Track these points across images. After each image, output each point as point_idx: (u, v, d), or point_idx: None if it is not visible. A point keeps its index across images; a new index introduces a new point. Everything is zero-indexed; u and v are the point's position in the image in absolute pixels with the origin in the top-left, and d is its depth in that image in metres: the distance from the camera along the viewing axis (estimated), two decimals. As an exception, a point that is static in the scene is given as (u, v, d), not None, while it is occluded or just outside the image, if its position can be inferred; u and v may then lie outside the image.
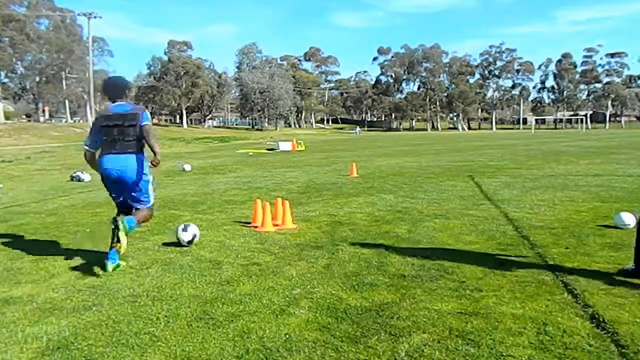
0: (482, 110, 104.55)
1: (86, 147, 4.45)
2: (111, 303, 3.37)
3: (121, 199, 4.43)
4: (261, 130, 77.50)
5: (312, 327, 2.88)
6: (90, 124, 5.05)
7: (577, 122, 79.43)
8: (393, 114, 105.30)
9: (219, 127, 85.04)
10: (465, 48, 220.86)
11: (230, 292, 3.52)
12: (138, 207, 4.41)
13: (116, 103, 4.40)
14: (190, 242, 4.89)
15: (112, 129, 4.25)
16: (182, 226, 5.02)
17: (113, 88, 4.51)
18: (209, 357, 2.55)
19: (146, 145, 4.35)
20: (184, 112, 76.93)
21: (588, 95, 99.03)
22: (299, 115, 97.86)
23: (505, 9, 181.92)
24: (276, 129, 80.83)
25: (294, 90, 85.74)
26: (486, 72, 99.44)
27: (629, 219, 5.03)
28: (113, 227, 4.04)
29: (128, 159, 4.25)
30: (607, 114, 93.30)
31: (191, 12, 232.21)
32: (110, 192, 4.45)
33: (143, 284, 3.78)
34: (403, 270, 3.94)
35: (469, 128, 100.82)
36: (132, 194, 4.36)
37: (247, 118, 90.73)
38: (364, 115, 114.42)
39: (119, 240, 3.98)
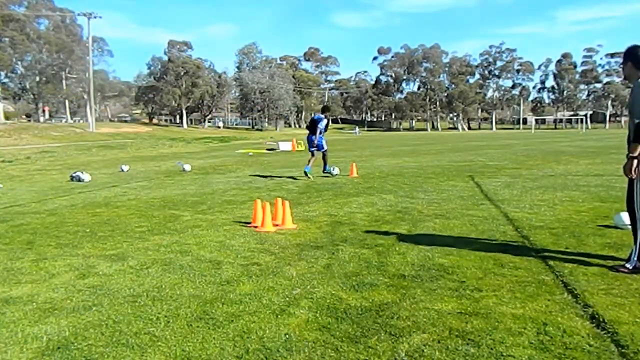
0: (482, 110, 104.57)
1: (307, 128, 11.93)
2: (111, 303, 3.37)
3: (315, 150, 11.58)
4: (261, 130, 77.50)
5: (312, 327, 2.88)
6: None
7: (577, 122, 79.45)
8: (393, 114, 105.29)
9: (218, 127, 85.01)
10: (465, 48, 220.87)
11: (230, 292, 3.52)
12: (324, 151, 11.75)
13: (317, 115, 11.74)
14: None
15: (312, 125, 11.67)
16: (334, 170, 11.64)
17: (323, 109, 11.93)
18: (209, 357, 2.55)
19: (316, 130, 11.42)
20: (184, 112, 76.94)
21: (588, 95, 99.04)
22: (299, 115, 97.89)
23: (505, 9, 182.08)
24: (276, 129, 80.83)
25: (294, 90, 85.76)
26: (486, 72, 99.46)
27: (628, 219, 5.02)
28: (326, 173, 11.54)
29: (317, 135, 11.40)
30: (607, 114, 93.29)
31: (191, 12, 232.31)
32: (310, 147, 11.71)
33: (143, 284, 3.78)
34: (403, 270, 3.93)
35: (469, 128, 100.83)
36: (320, 146, 11.54)
37: (247, 118, 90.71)
38: (364, 115, 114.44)
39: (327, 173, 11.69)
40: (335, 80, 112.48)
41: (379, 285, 3.58)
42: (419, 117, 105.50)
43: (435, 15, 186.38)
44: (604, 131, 63.56)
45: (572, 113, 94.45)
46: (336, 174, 11.62)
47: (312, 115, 12.67)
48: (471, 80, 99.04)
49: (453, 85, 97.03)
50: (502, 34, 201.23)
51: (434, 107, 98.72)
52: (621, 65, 4.03)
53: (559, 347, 2.53)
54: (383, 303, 3.23)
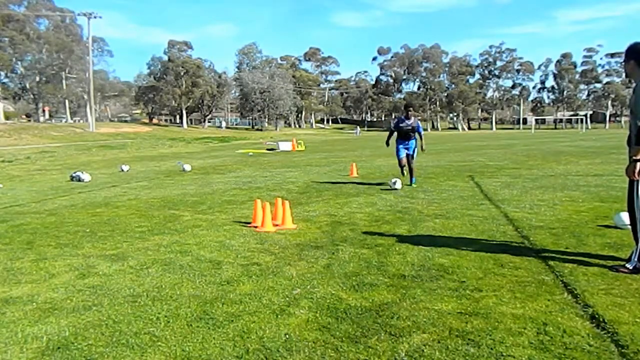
0: (482, 110, 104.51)
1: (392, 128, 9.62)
2: (111, 303, 3.37)
3: (404, 156, 9.43)
4: (261, 130, 77.48)
5: (312, 327, 2.88)
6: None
7: (577, 122, 79.40)
8: (393, 114, 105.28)
9: (218, 127, 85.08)
10: (465, 48, 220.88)
11: (230, 292, 3.52)
12: (413, 155, 9.49)
13: (410, 118, 9.37)
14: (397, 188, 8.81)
15: (406, 130, 9.35)
16: (393, 180, 9.00)
17: (408, 106, 9.56)
18: (209, 357, 2.55)
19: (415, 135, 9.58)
20: (184, 112, 76.92)
21: (588, 95, 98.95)
22: (299, 115, 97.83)
23: (505, 9, 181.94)
24: (276, 129, 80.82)
25: (294, 90, 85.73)
26: (486, 72, 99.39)
27: (628, 219, 5.01)
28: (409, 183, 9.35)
29: (412, 141, 9.45)
30: (607, 114, 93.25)
31: (191, 12, 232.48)
32: (399, 153, 9.48)
33: (143, 284, 3.78)
34: (403, 270, 3.93)
35: (469, 128, 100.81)
36: (410, 151, 9.46)
37: (247, 118, 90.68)
38: (364, 115, 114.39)
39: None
40: (335, 80, 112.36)
41: (379, 285, 3.58)
42: (419, 117, 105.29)
43: (435, 15, 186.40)
44: (604, 131, 63.55)
45: (572, 113, 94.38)
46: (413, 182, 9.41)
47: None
48: (471, 80, 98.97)
49: (453, 85, 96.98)
50: (502, 34, 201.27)
51: (434, 107, 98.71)
52: (622, 64, 3.92)
53: (559, 347, 2.53)
54: (383, 303, 3.23)
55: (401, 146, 9.41)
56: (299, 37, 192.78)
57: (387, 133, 9.93)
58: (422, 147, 9.54)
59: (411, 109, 9.34)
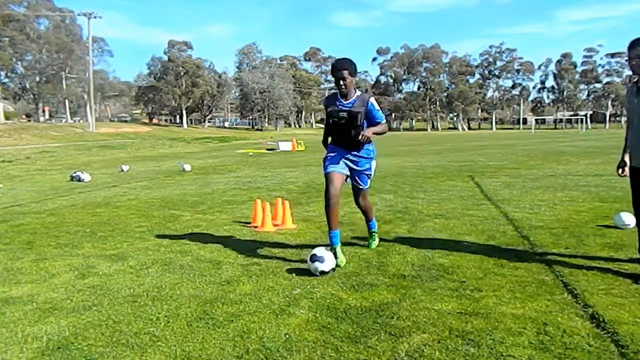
0: (482, 110, 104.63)
1: None
2: (111, 303, 3.37)
3: (335, 172, 4.45)
4: (261, 130, 77.49)
5: (312, 327, 2.88)
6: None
7: (577, 122, 79.45)
8: (393, 114, 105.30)
9: (219, 127, 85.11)
10: (465, 48, 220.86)
11: (230, 292, 3.52)
12: (363, 184, 4.62)
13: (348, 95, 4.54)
14: (333, 269, 3.92)
15: (335, 117, 4.43)
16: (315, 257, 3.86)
17: (336, 70, 4.16)
18: (209, 357, 2.55)
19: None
20: (184, 112, 76.96)
21: (588, 95, 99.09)
22: (299, 115, 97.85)
23: (505, 9, 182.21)
24: (276, 129, 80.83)
25: (294, 90, 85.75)
26: (486, 72, 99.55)
27: (629, 219, 5.02)
28: None
29: (364, 151, 4.43)
30: (607, 114, 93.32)
31: (191, 12, 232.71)
32: (325, 166, 4.51)
33: (143, 284, 3.78)
34: (403, 270, 3.93)
35: (469, 128, 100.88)
36: (361, 175, 4.54)
37: (247, 118, 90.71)
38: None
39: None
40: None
41: (379, 285, 3.58)
42: (419, 117, 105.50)
43: (435, 15, 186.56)
44: (604, 131, 63.55)
45: (572, 113, 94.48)
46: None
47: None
48: (471, 80, 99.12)
49: (453, 85, 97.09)
50: (502, 34, 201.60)
51: (434, 107, 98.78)
52: (636, 60, 3.40)
53: (559, 347, 2.53)
54: (383, 303, 3.23)
55: (331, 154, 4.35)
56: (299, 37, 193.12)
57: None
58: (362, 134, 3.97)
59: (345, 72, 4.06)
